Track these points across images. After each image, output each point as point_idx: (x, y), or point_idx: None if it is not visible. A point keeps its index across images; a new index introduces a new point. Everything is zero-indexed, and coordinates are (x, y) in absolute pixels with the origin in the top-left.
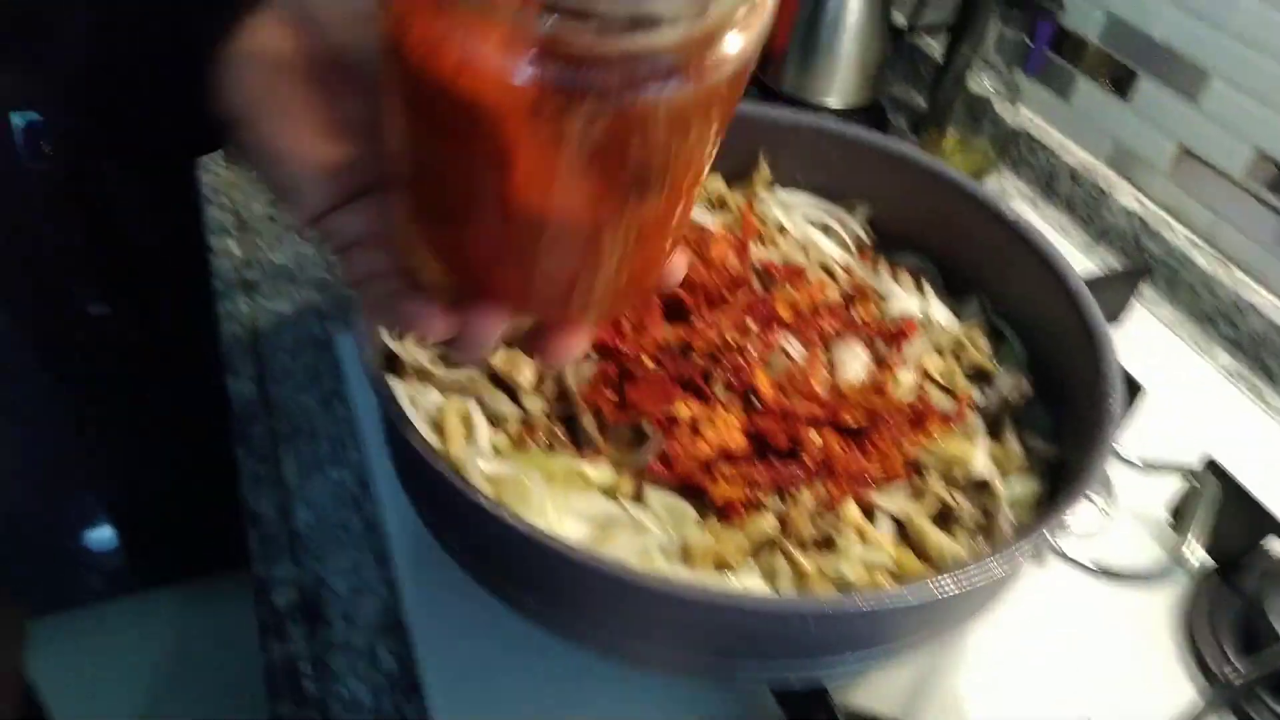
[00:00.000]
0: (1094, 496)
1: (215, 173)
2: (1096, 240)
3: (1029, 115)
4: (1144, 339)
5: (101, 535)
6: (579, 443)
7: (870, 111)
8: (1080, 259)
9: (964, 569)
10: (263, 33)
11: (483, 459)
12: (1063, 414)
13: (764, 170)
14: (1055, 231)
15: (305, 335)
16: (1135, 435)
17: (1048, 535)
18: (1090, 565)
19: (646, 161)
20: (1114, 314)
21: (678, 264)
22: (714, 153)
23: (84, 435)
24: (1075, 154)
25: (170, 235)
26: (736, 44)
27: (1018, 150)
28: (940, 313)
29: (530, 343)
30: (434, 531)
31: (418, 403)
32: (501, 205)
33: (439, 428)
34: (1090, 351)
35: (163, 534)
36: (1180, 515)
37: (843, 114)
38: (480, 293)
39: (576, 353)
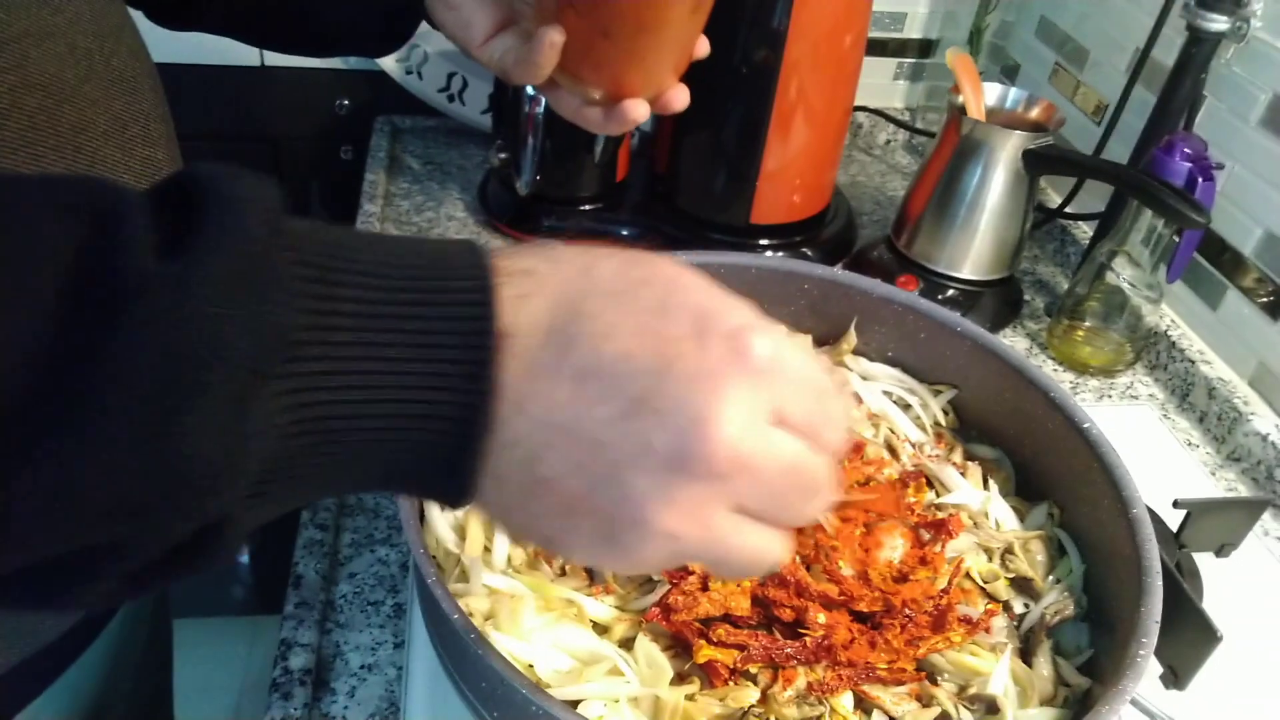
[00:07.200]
0: None
1: None
2: (1226, 462)
3: (1172, 317)
4: (1251, 578)
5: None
6: (592, 574)
7: (1004, 286)
8: (1204, 479)
9: None
10: None
11: (489, 570)
12: (1106, 647)
13: (851, 338)
14: (1182, 446)
15: None
16: (1206, 692)
17: None
18: None
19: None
20: (1221, 546)
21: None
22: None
23: None
24: (1216, 367)
25: None
26: None
27: (1156, 353)
28: (1001, 512)
29: (611, 119)
30: (432, 638)
31: None
32: (621, 30)
33: (462, 530)
34: (1137, 586)
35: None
36: None
37: (973, 285)
38: (605, 89)
39: (643, 115)
